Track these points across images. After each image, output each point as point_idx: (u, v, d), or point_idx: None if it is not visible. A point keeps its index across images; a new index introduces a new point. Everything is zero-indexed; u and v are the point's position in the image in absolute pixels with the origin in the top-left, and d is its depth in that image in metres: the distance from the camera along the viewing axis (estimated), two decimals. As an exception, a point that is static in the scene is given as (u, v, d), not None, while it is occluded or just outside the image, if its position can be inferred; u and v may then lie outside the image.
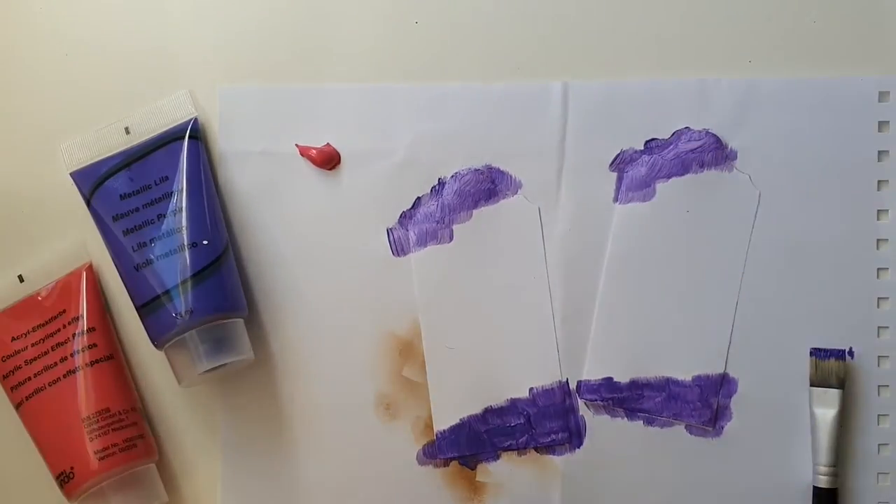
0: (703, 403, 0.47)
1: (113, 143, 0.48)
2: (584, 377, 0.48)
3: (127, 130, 0.48)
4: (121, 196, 0.47)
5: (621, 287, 0.48)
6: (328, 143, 0.49)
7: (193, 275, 0.46)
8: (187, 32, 0.50)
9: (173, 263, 0.46)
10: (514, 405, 0.48)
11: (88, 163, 0.48)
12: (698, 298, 0.48)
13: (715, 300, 0.48)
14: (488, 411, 0.48)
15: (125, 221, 0.47)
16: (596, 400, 0.48)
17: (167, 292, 0.45)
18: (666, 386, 0.48)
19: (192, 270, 0.46)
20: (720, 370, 0.48)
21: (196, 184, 0.47)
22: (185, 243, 0.46)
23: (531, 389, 0.48)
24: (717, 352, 0.48)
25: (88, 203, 0.48)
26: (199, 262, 0.46)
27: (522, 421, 0.48)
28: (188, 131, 0.48)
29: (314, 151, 0.49)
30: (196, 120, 0.49)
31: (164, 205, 0.47)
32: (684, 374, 0.48)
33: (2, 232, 0.50)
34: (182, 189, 0.47)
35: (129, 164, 0.48)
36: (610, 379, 0.48)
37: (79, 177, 0.48)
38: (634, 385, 0.48)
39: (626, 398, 0.48)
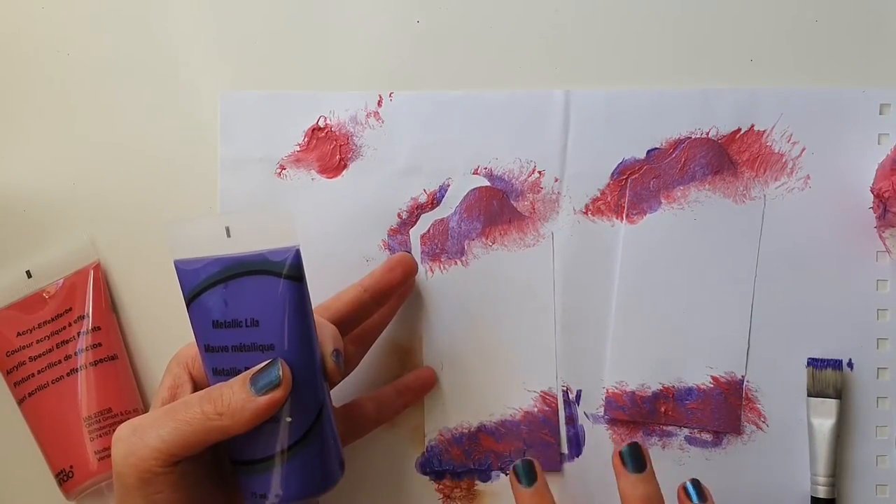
0: (724, 409, 0.47)
1: (214, 242, 0.39)
2: (605, 384, 0.48)
3: (228, 232, 0.39)
4: (213, 323, 0.39)
5: (635, 300, 0.48)
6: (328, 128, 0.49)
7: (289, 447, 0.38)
8: (190, 38, 0.50)
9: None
10: (509, 422, 0.48)
11: (191, 256, 0.39)
12: (712, 304, 0.48)
13: (729, 304, 0.48)
14: (482, 428, 0.48)
15: (215, 358, 0.39)
16: (619, 415, 0.48)
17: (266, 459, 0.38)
18: (689, 394, 0.48)
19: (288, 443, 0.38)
20: (741, 374, 0.47)
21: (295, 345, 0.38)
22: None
23: (530, 397, 0.48)
24: (735, 357, 0.47)
25: (188, 304, 0.39)
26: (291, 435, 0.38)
27: (516, 441, 0.48)
28: (286, 267, 0.38)
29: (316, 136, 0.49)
30: (298, 252, 0.39)
31: (253, 357, 0.38)
32: (704, 381, 0.48)
33: (12, 227, 0.50)
34: (272, 346, 0.38)
35: (225, 280, 0.39)
36: (632, 393, 0.48)
37: (182, 272, 0.39)
38: (656, 397, 0.48)
39: (647, 412, 0.48)
